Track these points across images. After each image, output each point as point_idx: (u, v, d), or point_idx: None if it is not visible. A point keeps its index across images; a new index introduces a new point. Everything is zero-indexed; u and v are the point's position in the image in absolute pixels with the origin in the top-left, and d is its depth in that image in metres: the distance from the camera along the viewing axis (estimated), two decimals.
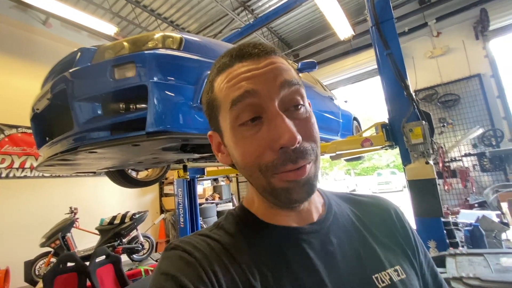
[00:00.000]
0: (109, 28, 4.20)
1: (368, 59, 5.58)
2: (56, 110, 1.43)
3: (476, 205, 3.39)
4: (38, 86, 1.63)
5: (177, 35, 1.39)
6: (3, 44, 4.12)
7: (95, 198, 4.82)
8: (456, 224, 2.12)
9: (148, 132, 1.17)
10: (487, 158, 4.19)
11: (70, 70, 1.31)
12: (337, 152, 2.08)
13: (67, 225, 3.49)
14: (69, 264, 2.50)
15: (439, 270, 0.53)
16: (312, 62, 2.29)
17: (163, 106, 1.20)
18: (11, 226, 3.77)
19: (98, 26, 4.10)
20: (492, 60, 4.48)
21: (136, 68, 1.22)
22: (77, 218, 3.71)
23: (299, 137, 0.37)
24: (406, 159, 1.72)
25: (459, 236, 1.82)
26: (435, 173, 1.57)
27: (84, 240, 3.81)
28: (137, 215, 3.84)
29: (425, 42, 5.00)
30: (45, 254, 3.46)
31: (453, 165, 4.48)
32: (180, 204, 3.07)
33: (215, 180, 6.50)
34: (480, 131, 4.04)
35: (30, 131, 3.58)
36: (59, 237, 3.37)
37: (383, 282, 0.41)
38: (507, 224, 1.81)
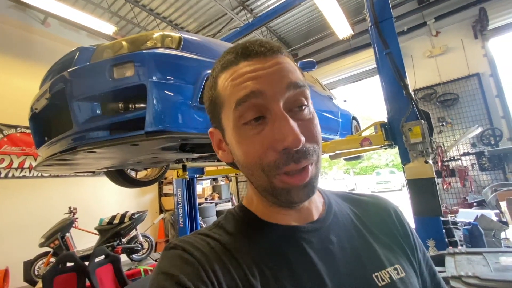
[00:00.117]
0: (108, 28, 4.18)
1: (367, 59, 5.57)
2: (54, 110, 1.43)
3: (475, 204, 3.39)
4: (36, 86, 1.62)
5: (176, 34, 1.38)
6: (1, 44, 4.10)
7: (94, 198, 4.81)
8: (455, 223, 2.13)
9: (147, 131, 1.17)
10: (486, 157, 4.20)
11: (69, 70, 1.30)
12: (336, 152, 2.09)
13: (66, 225, 3.48)
14: (68, 264, 2.49)
15: (438, 269, 0.54)
16: (311, 62, 2.29)
17: (162, 105, 1.19)
18: (10, 226, 3.77)
19: (97, 25, 4.08)
20: (491, 59, 4.48)
21: (135, 68, 1.21)
22: (76, 218, 3.71)
23: (303, 139, 0.37)
24: (405, 158, 1.72)
25: (458, 235, 1.83)
26: (434, 172, 1.57)
27: (83, 240, 3.81)
28: (136, 215, 3.82)
29: (424, 41, 5.00)
30: (44, 254, 3.45)
31: (452, 164, 4.48)
32: (180, 203, 3.08)
33: (215, 179, 6.49)
34: (479, 130, 4.04)
35: (29, 131, 3.59)
36: (58, 237, 3.36)
37: (383, 280, 0.41)
38: (506, 223, 1.81)
